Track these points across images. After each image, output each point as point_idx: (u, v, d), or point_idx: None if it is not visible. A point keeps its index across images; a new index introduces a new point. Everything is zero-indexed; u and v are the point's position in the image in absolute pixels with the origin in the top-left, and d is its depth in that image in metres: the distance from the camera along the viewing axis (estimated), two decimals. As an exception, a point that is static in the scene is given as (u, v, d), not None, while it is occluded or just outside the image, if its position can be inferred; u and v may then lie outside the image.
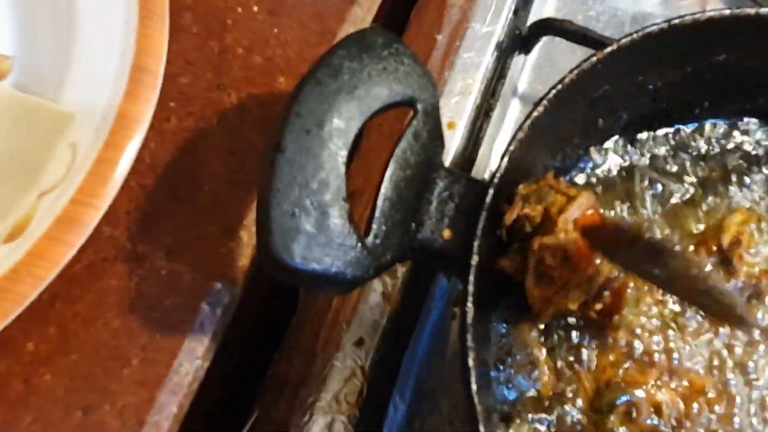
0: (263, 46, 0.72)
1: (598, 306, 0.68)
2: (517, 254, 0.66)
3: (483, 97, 0.88)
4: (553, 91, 0.67)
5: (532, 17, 0.94)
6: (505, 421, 0.68)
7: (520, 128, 0.65)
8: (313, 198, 0.56)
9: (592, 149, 0.78)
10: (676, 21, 0.71)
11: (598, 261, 0.66)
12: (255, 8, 0.74)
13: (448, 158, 0.83)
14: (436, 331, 0.81)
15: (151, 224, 0.65)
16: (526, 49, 0.94)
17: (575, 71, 0.68)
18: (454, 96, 0.88)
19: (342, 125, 0.58)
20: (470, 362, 0.58)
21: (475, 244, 0.61)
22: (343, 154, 0.58)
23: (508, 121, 0.93)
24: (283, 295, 0.79)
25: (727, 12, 0.72)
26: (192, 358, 0.62)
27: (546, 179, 0.68)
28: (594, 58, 0.69)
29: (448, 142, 0.84)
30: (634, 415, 0.67)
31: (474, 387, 0.57)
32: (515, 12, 0.92)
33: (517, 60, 0.94)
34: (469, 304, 0.59)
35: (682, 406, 0.67)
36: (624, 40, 0.70)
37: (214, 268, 0.64)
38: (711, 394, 0.68)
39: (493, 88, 0.90)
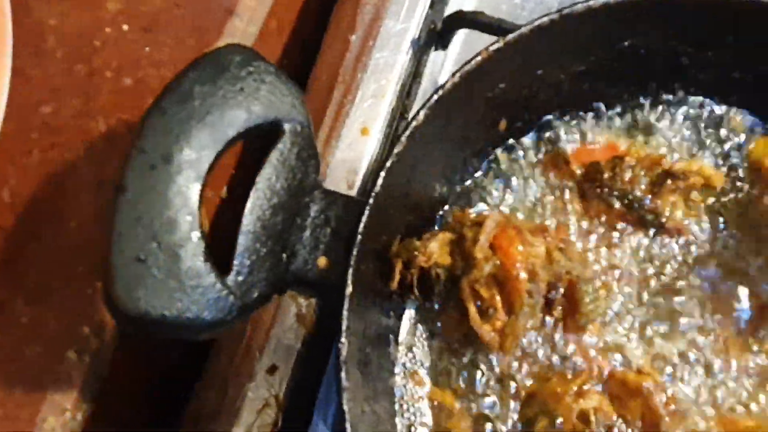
0: (134, 67, 0.68)
1: (557, 311, 0.65)
2: (450, 308, 0.65)
3: (398, 99, 0.83)
4: (435, 97, 0.63)
5: (452, 9, 0.89)
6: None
7: (397, 141, 0.61)
8: (160, 239, 0.52)
9: (498, 150, 0.74)
10: (568, 10, 0.66)
11: (524, 274, 0.63)
12: (125, 27, 0.69)
13: (362, 166, 0.79)
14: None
15: (10, 268, 0.61)
16: (443, 45, 0.89)
17: (458, 74, 0.64)
18: (366, 100, 0.84)
19: (193, 156, 0.54)
20: (345, 405, 0.54)
21: (349, 272, 0.57)
22: (197, 187, 0.54)
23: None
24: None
25: (625, -6, 0.67)
26: (58, 412, 0.58)
27: (453, 215, 0.67)
28: (479, 58, 0.65)
29: (361, 147, 0.80)
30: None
31: (350, 425, 0.54)
32: (431, 5, 0.87)
33: (437, 56, 0.90)
34: (343, 339, 0.55)
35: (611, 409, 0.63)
36: (511, 36, 0.66)
37: (82, 312, 0.60)
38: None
39: (409, 88, 0.85)
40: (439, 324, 0.66)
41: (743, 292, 0.68)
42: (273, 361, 0.75)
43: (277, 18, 0.85)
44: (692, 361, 0.66)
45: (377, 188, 0.59)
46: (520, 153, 0.73)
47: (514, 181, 0.72)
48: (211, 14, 0.71)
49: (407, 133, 0.61)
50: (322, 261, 0.58)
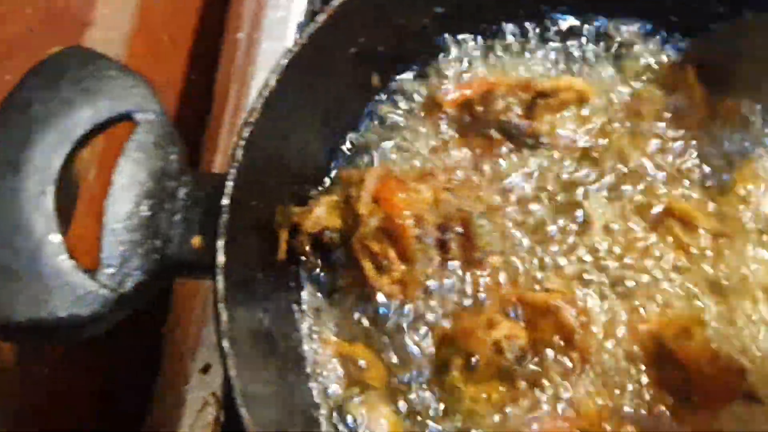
0: (-2, 97, 0.68)
1: (454, 251, 0.65)
2: (350, 268, 0.65)
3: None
4: (284, 63, 0.63)
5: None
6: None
7: (251, 111, 0.61)
8: (16, 245, 0.52)
9: (376, 106, 0.74)
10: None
11: (410, 221, 0.63)
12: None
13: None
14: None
15: None
16: (329, 23, 0.89)
17: (304, 35, 0.64)
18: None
19: (42, 160, 0.55)
20: (232, 372, 0.54)
21: (219, 243, 0.57)
22: (50, 189, 0.55)
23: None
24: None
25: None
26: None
27: (339, 176, 0.68)
28: (324, 16, 0.65)
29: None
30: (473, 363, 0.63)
31: (239, 394, 0.53)
32: (310, -14, 0.87)
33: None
34: (220, 306, 0.55)
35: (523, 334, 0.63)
36: (351, -13, 0.65)
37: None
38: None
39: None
40: (342, 284, 0.66)
41: (637, 188, 0.68)
42: (206, 360, 0.75)
43: (168, 34, 0.86)
44: (597, 270, 0.65)
45: (239, 159, 0.59)
46: (398, 105, 0.73)
47: (395, 133, 0.72)
48: (66, 30, 0.71)
49: (260, 103, 0.61)
50: (196, 240, 0.58)
